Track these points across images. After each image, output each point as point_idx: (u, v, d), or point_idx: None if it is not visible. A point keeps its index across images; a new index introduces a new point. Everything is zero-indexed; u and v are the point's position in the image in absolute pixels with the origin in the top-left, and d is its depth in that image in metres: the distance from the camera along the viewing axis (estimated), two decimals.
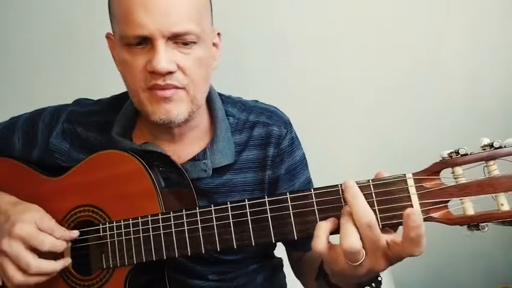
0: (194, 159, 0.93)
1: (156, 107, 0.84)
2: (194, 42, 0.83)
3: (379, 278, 0.74)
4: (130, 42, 0.82)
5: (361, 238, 0.65)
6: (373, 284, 0.74)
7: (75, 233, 0.86)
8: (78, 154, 0.96)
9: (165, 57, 0.80)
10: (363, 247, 0.65)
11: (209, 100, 0.97)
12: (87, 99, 1.05)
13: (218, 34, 0.95)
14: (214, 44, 0.93)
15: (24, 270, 0.80)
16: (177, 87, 0.83)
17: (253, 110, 1.00)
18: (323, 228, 0.68)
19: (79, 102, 1.04)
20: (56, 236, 0.84)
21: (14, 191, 0.93)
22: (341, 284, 0.74)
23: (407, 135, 1.76)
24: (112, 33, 0.90)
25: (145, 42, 0.81)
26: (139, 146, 0.91)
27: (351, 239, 0.64)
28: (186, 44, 0.82)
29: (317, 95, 1.78)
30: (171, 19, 0.79)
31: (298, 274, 1.05)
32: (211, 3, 0.91)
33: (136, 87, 0.84)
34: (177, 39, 0.81)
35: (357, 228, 0.65)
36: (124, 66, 0.85)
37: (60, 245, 0.84)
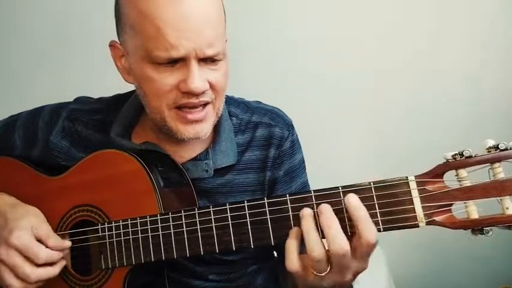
0: (196, 158, 0.92)
1: (183, 127, 0.84)
2: (220, 59, 0.83)
3: None
4: (159, 61, 0.80)
5: (329, 257, 0.68)
6: None
7: (67, 244, 0.85)
8: (78, 152, 0.96)
9: (200, 77, 0.80)
10: (330, 262, 0.68)
11: None
12: (87, 97, 1.04)
13: (226, 41, 0.93)
14: None
15: (23, 280, 0.80)
16: (207, 103, 0.84)
17: (256, 111, 1.00)
18: (292, 247, 0.70)
19: (80, 100, 1.03)
20: (49, 245, 0.83)
21: (14, 191, 0.93)
22: None
23: (408, 136, 1.76)
24: (118, 41, 0.88)
25: (176, 61, 0.80)
26: (139, 146, 0.91)
27: (317, 248, 0.67)
28: (213, 61, 0.82)
29: (317, 95, 1.78)
30: (205, 40, 0.79)
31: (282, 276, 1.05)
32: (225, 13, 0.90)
33: (162, 104, 0.83)
34: (208, 58, 0.81)
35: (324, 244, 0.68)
36: (147, 83, 0.83)
37: (56, 256, 0.83)
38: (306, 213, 0.69)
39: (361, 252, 0.68)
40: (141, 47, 0.81)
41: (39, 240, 0.83)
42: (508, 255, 1.73)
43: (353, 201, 0.67)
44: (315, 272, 0.69)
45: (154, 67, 0.81)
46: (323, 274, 0.69)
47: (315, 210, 0.69)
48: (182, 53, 0.78)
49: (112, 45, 0.89)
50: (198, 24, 0.78)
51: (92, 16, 1.80)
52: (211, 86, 0.84)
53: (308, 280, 0.71)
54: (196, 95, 0.81)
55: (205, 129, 0.86)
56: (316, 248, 0.67)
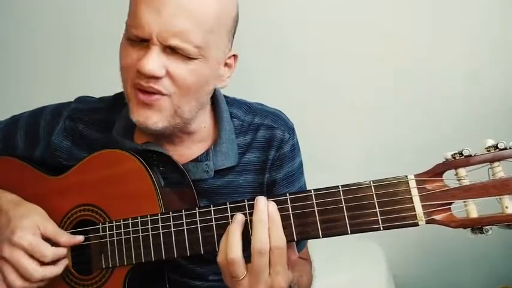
0: (197, 159, 0.92)
1: (137, 109, 0.83)
2: (194, 58, 0.81)
3: None
4: (132, 38, 0.81)
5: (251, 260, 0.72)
6: None
7: (79, 238, 0.86)
8: (80, 152, 0.96)
9: (156, 61, 0.78)
10: (247, 267, 0.73)
11: (214, 101, 0.96)
12: (88, 96, 1.04)
13: (234, 56, 0.91)
14: (226, 65, 0.90)
15: (26, 279, 0.80)
16: (161, 93, 0.81)
17: (258, 113, 0.99)
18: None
19: (81, 99, 1.03)
20: (61, 241, 0.84)
21: (16, 191, 0.93)
22: None
23: (408, 135, 1.77)
24: None
25: (145, 40, 0.80)
26: (141, 146, 0.91)
27: (236, 249, 0.72)
28: (184, 56, 0.80)
29: (317, 96, 1.79)
30: (173, 29, 0.77)
31: None
32: (236, 25, 0.88)
33: (126, 79, 0.84)
34: (175, 49, 0.80)
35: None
36: (121, 56, 0.84)
37: (62, 253, 0.84)
38: (239, 218, 0.74)
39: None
40: (126, 23, 0.83)
41: (47, 239, 0.83)
42: (508, 255, 1.73)
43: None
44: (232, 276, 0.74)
45: (129, 43, 0.82)
46: (239, 279, 0.73)
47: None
48: (146, 34, 0.78)
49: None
50: (173, 11, 0.77)
51: (94, 16, 1.81)
52: (172, 78, 0.81)
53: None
54: (146, 77, 0.79)
55: (154, 119, 0.83)
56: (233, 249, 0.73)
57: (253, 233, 0.72)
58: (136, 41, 0.81)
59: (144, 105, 0.82)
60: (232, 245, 0.72)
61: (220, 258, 0.74)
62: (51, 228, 0.84)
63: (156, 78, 0.80)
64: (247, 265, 0.73)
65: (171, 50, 0.80)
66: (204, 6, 0.79)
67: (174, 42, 0.78)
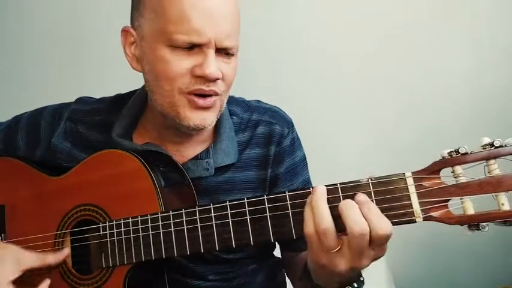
0: (197, 157, 0.93)
1: (192, 113, 0.85)
2: (233, 54, 0.86)
3: (362, 278, 0.75)
4: (178, 45, 0.82)
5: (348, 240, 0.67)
6: (355, 284, 0.74)
7: (66, 251, 0.87)
8: (80, 153, 0.96)
9: (215, 64, 0.83)
10: (348, 246, 0.67)
11: None
12: (89, 97, 1.05)
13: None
14: None
15: None
16: (216, 94, 0.86)
17: (256, 110, 1.01)
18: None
19: (81, 100, 1.04)
20: (50, 263, 0.85)
21: (17, 191, 0.94)
22: (323, 283, 0.76)
23: (405, 133, 1.78)
24: (131, 27, 0.89)
25: (194, 46, 0.82)
26: (141, 146, 0.91)
27: (326, 218, 0.67)
28: (227, 54, 0.85)
29: (317, 95, 1.80)
30: (226, 31, 0.83)
31: (289, 275, 1.06)
32: None
33: (174, 88, 0.84)
34: (223, 50, 0.84)
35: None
36: (161, 65, 0.84)
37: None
38: (321, 190, 0.69)
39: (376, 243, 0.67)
40: (160, 30, 0.82)
41: (39, 269, 0.84)
42: (508, 255, 1.74)
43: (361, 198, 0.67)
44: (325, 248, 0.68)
45: (171, 50, 0.83)
46: (335, 250, 0.68)
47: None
48: (204, 39, 0.81)
49: (125, 30, 0.90)
50: (221, 15, 0.82)
51: (100, 17, 1.82)
52: (223, 78, 0.85)
53: (320, 261, 0.70)
54: (210, 81, 0.83)
55: (211, 118, 0.87)
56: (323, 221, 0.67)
57: (345, 219, 0.66)
58: (184, 47, 0.82)
59: (200, 108, 0.85)
60: (322, 215, 0.67)
61: (308, 230, 0.68)
62: (31, 259, 0.84)
63: (216, 80, 0.84)
64: (342, 237, 0.68)
65: (218, 52, 0.84)
66: (233, 7, 0.85)
67: (227, 43, 0.83)
